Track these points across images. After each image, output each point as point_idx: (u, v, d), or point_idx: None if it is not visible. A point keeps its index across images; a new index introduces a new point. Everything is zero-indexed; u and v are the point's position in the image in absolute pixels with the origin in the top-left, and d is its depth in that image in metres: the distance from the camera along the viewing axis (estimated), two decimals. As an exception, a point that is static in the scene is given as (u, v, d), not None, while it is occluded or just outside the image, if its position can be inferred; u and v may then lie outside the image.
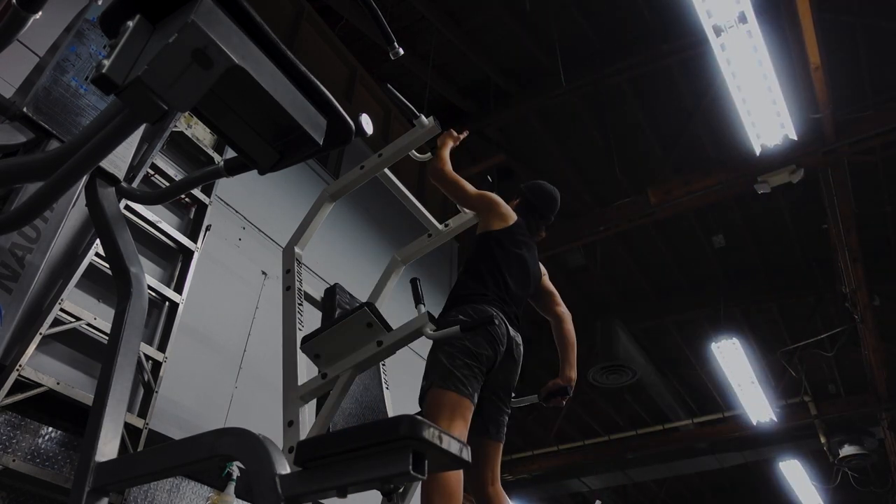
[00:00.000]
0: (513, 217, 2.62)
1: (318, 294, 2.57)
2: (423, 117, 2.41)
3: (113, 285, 2.55)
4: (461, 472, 1.97)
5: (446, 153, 2.69)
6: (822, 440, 8.41)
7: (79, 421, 2.66)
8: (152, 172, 3.32)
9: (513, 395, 2.43)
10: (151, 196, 2.81)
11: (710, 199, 5.72)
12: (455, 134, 2.78)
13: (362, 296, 2.69)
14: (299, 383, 1.87)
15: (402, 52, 2.23)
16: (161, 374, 3.02)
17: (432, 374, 2.17)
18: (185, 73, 1.16)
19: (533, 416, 10.41)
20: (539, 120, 6.47)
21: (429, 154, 2.72)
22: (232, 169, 2.31)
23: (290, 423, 1.78)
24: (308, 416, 1.84)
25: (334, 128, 1.59)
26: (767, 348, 8.65)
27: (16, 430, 2.42)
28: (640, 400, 10.58)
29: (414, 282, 2.00)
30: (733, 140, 5.81)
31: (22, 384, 2.49)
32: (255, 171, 1.73)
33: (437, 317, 2.05)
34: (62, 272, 2.76)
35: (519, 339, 2.40)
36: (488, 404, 2.31)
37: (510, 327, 2.34)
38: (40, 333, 2.57)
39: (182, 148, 3.67)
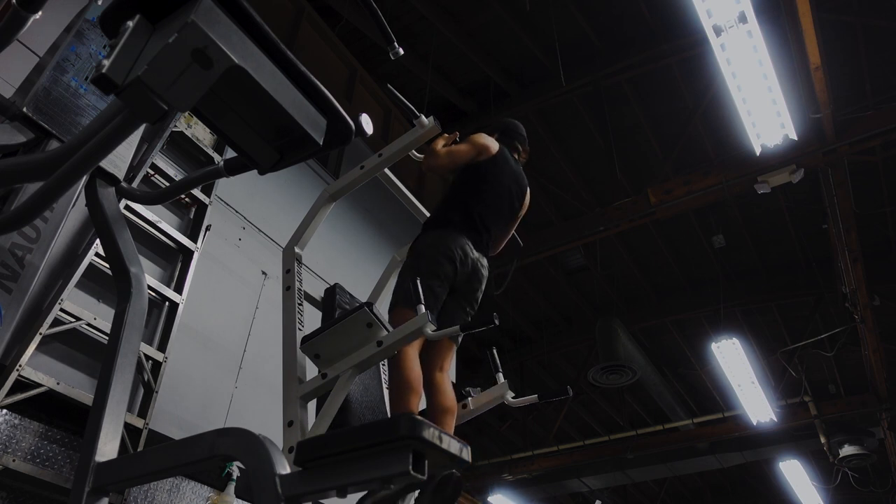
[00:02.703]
0: (496, 146, 2.78)
1: (318, 294, 2.57)
2: (423, 117, 2.41)
3: (113, 285, 2.56)
4: (419, 367, 2.20)
5: (440, 145, 2.76)
6: (822, 440, 8.41)
7: (79, 421, 2.66)
8: (152, 172, 3.32)
9: (475, 304, 2.60)
10: (151, 196, 2.81)
11: (710, 199, 5.72)
12: (447, 137, 2.79)
13: (362, 296, 2.69)
14: (299, 383, 1.87)
15: (402, 52, 2.24)
16: (161, 374, 3.02)
17: (398, 293, 2.41)
18: (185, 73, 1.16)
19: (533, 416, 10.42)
20: (539, 120, 6.47)
21: (428, 153, 2.72)
22: (232, 169, 2.31)
23: (290, 423, 1.78)
24: (308, 416, 1.84)
25: (334, 128, 1.59)
26: (767, 348, 8.66)
27: (16, 430, 2.42)
28: (640, 400, 10.58)
29: (414, 282, 2.00)
30: (733, 140, 5.81)
31: (22, 384, 2.49)
32: (255, 171, 1.73)
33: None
34: (62, 272, 2.76)
35: (483, 262, 2.61)
36: (451, 308, 2.53)
37: (475, 250, 2.55)
38: (40, 333, 2.57)
39: (182, 148, 3.67)
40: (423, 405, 2.31)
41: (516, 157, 2.95)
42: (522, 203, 2.91)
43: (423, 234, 2.57)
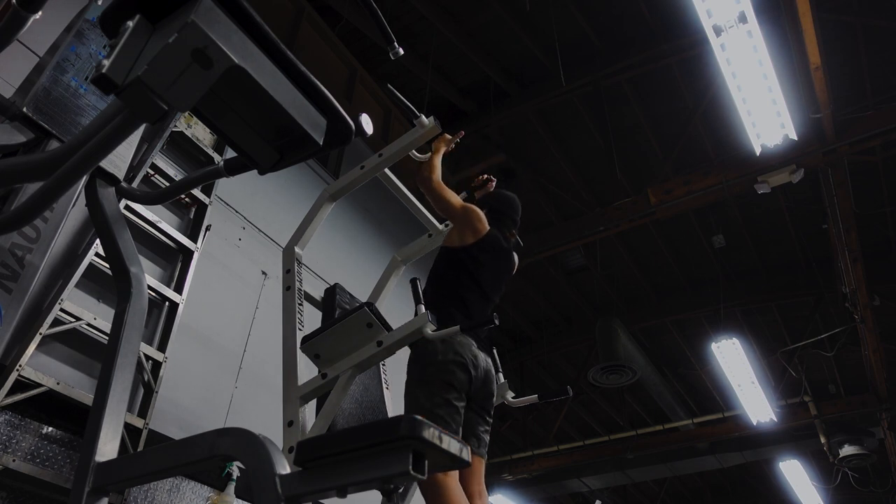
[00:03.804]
0: (485, 229, 2.56)
1: (318, 294, 2.57)
2: (423, 117, 2.41)
3: (113, 285, 2.56)
4: (459, 485, 1.98)
5: (438, 161, 2.63)
6: (822, 440, 8.41)
7: (79, 421, 2.66)
8: (152, 172, 3.32)
9: (492, 412, 2.39)
10: (151, 196, 2.81)
11: (710, 199, 5.72)
12: (449, 138, 2.76)
13: (362, 296, 2.69)
14: (299, 383, 1.87)
15: (402, 52, 2.23)
16: (161, 374, 3.02)
17: (410, 412, 2.14)
18: (185, 73, 1.16)
19: (533, 416, 10.42)
20: (539, 120, 6.47)
21: (428, 154, 2.71)
22: (232, 169, 2.31)
23: (290, 423, 1.78)
24: (308, 416, 1.84)
25: (334, 128, 1.59)
26: (767, 348, 8.66)
27: (16, 430, 2.42)
28: (640, 400, 10.58)
29: (414, 282, 2.00)
30: (733, 140, 5.81)
31: (22, 384, 2.49)
32: (255, 171, 1.73)
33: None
34: (62, 272, 2.76)
35: (490, 361, 2.40)
36: (469, 419, 2.28)
37: (481, 352, 2.33)
38: (40, 333, 2.57)
39: (182, 148, 3.67)
40: None
41: (506, 237, 2.72)
42: (511, 276, 2.72)
43: (424, 341, 2.37)
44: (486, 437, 2.33)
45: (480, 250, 2.50)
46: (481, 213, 2.58)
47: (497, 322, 1.86)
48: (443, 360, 2.16)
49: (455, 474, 2.01)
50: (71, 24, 2.64)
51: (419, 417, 1.16)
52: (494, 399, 2.40)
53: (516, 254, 2.83)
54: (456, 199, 2.58)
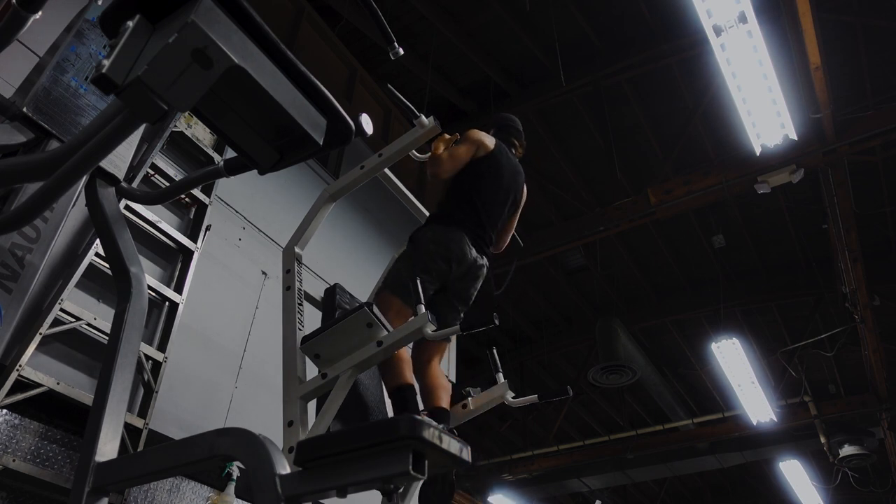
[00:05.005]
0: (493, 142, 2.79)
1: (318, 294, 2.57)
2: (423, 117, 2.40)
3: (113, 285, 2.56)
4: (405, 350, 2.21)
5: (440, 148, 2.74)
6: (822, 440, 8.41)
7: (79, 421, 2.66)
8: (152, 172, 3.32)
9: (469, 304, 2.60)
10: (151, 196, 2.81)
11: (710, 199, 5.72)
12: (448, 138, 2.79)
13: (362, 296, 2.69)
14: (299, 383, 1.87)
15: (402, 52, 2.23)
16: (161, 374, 3.02)
17: (388, 278, 2.47)
18: (185, 73, 1.16)
19: (533, 416, 10.42)
20: (539, 120, 6.47)
21: (428, 154, 2.72)
22: (232, 169, 2.31)
23: (290, 423, 1.78)
24: (308, 416, 1.84)
25: (334, 128, 1.59)
26: (767, 348, 8.66)
27: (16, 430, 2.42)
28: (640, 400, 10.59)
29: (414, 282, 2.00)
30: (733, 140, 5.81)
31: (22, 384, 2.49)
32: (255, 171, 1.73)
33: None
34: (62, 272, 2.76)
35: (482, 260, 2.59)
36: (442, 305, 2.55)
37: (473, 248, 2.53)
38: (40, 333, 2.57)
39: (182, 148, 3.67)
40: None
41: (513, 151, 2.96)
42: (521, 196, 2.93)
43: (425, 227, 2.58)
44: (455, 324, 2.54)
45: (490, 160, 2.73)
46: (481, 132, 2.80)
47: (497, 322, 1.86)
48: (428, 249, 2.43)
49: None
50: (71, 24, 2.64)
51: (419, 417, 1.16)
52: (474, 291, 2.62)
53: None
54: (457, 148, 2.72)
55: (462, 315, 2.63)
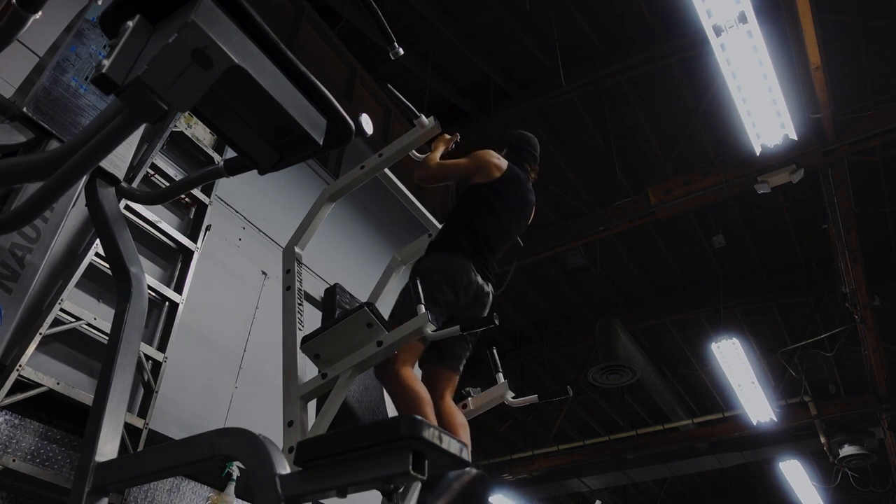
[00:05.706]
0: (505, 164, 2.68)
1: (318, 294, 2.57)
2: (423, 117, 2.41)
3: (113, 285, 2.56)
4: (422, 385, 2.14)
5: (434, 157, 2.68)
6: (822, 440, 8.41)
7: (79, 421, 2.66)
8: (152, 172, 3.32)
9: (476, 334, 2.49)
10: (151, 196, 2.81)
11: (710, 199, 5.72)
12: (448, 138, 2.78)
13: (362, 296, 2.69)
14: (299, 383, 1.87)
15: (402, 52, 2.23)
16: (161, 374, 3.02)
17: (395, 313, 2.33)
18: (185, 73, 1.16)
19: (533, 416, 10.42)
20: (539, 120, 6.47)
21: (427, 154, 2.71)
22: (232, 169, 2.32)
23: (290, 423, 1.78)
24: (308, 416, 1.84)
25: (334, 128, 1.59)
26: (767, 348, 8.66)
27: (16, 430, 2.42)
28: (640, 400, 10.58)
29: (414, 282, 2.00)
30: (733, 140, 5.81)
31: (22, 384, 2.49)
32: (255, 171, 1.73)
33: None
34: (62, 272, 2.76)
35: (488, 287, 2.50)
36: (453, 337, 2.43)
37: (479, 276, 2.44)
38: (40, 333, 2.57)
39: (182, 148, 3.67)
40: None
41: (526, 171, 2.81)
42: (528, 221, 2.80)
43: (428, 256, 2.47)
44: (464, 356, 2.52)
45: (499, 185, 2.62)
46: (492, 153, 2.68)
47: (497, 322, 1.86)
48: (433, 278, 2.30)
49: (411, 362, 2.19)
50: (71, 24, 2.64)
51: (419, 418, 1.16)
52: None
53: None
54: (459, 161, 2.66)
55: (471, 347, 2.54)
